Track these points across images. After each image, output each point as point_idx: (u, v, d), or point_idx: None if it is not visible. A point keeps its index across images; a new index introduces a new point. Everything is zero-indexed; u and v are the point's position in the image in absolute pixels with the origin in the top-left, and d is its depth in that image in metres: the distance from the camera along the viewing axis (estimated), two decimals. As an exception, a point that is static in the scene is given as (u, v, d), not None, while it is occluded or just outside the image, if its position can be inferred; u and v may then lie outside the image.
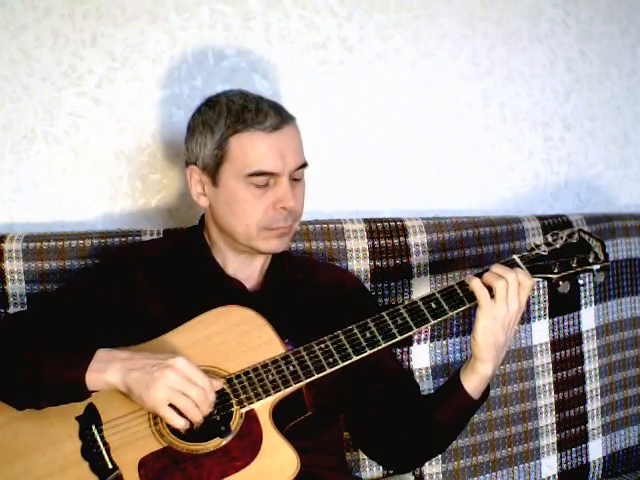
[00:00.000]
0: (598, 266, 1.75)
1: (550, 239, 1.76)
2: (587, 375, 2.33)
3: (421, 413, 1.81)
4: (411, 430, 1.83)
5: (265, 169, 1.72)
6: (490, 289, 1.67)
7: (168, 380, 1.53)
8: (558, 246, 1.75)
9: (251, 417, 1.60)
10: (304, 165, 1.80)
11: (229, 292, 1.80)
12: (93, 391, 1.60)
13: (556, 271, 1.72)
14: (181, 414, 1.55)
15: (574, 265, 1.74)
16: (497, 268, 1.68)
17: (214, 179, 1.77)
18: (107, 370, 1.57)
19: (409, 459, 1.94)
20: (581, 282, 1.76)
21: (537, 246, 1.75)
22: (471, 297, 1.69)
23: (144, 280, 1.79)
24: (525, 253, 1.74)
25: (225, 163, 1.74)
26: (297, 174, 1.78)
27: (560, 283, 1.73)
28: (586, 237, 1.77)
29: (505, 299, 1.65)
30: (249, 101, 1.77)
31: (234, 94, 1.81)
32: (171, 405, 1.54)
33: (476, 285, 1.67)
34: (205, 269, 1.83)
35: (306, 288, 1.90)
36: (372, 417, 1.87)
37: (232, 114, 1.74)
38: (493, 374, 1.74)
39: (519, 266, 1.71)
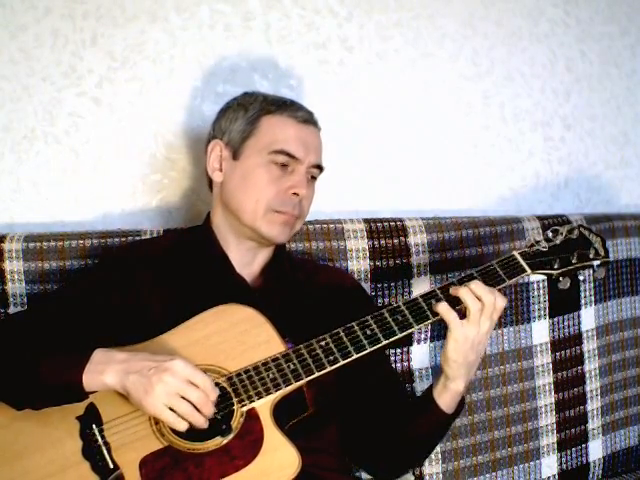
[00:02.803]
0: (598, 262, 1.75)
1: (550, 235, 1.76)
2: (587, 375, 2.33)
3: (397, 425, 1.82)
4: (387, 440, 1.83)
5: (289, 150, 1.79)
6: (458, 301, 1.66)
7: (166, 385, 1.52)
8: (558, 242, 1.75)
9: (252, 416, 1.59)
10: (322, 168, 1.87)
11: (231, 288, 1.80)
12: (91, 392, 1.59)
13: (556, 267, 1.73)
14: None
15: (574, 261, 1.74)
16: (477, 287, 1.65)
17: (236, 153, 1.83)
18: (105, 372, 1.56)
19: (386, 467, 1.93)
20: (581, 278, 1.76)
21: (537, 242, 1.75)
22: None
23: (145, 279, 1.79)
24: (525, 249, 1.74)
25: (251, 138, 1.81)
26: (314, 172, 1.85)
27: (560, 279, 1.74)
28: (586, 233, 1.78)
29: (478, 321, 1.64)
30: (285, 97, 1.91)
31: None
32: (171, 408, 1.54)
33: (442, 308, 1.65)
34: (209, 264, 1.84)
35: (306, 288, 1.90)
36: (357, 421, 1.87)
37: (268, 100, 1.86)
38: (465, 390, 1.73)
39: (520, 263, 1.72)
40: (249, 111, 1.83)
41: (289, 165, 1.80)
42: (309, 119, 1.85)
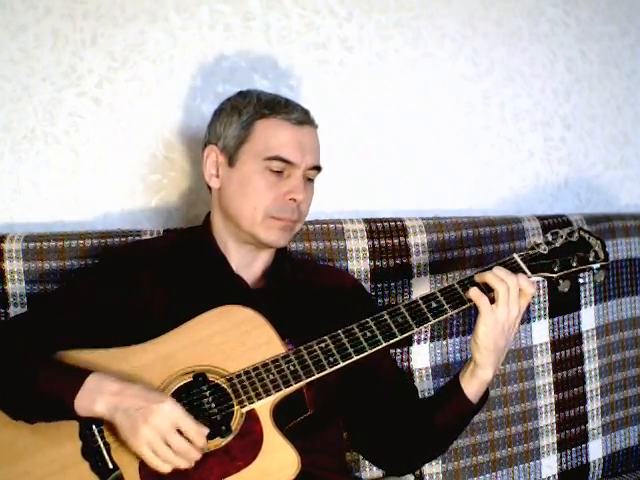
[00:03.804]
0: (598, 265, 1.75)
1: (550, 238, 1.76)
2: (587, 375, 2.34)
3: (420, 416, 1.81)
4: (410, 433, 1.82)
5: (284, 156, 1.76)
6: (490, 290, 1.66)
7: (152, 428, 1.51)
8: (558, 245, 1.74)
9: (252, 417, 1.60)
10: (319, 168, 1.84)
11: (232, 289, 1.81)
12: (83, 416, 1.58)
13: (556, 270, 1.72)
14: None
15: (574, 264, 1.73)
16: (499, 271, 1.67)
17: (231, 159, 1.80)
18: (95, 402, 1.55)
19: (407, 462, 1.93)
20: (581, 281, 1.76)
21: (537, 245, 1.75)
22: None
23: (146, 278, 1.78)
24: (525, 252, 1.74)
25: (246, 143, 1.79)
26: (311, 174, 1.83)
27: (560, 282, 1.73)
28: (586, 236, 1.77)
29: (507, 303, 1.65)
30: (279, 96, 1.87)
31: (265, 91, 1.90)
32: None
33: (474, 293, 1.66)
34: (209, 265, 1.84)
35: (307, 289, 1.90)
36: (370, 419, 1.86)
37: (262, 102, 1.82)
38: (493, 378, 1.73)
39: (520, 266, 1.71)
40: (243, 115, 1.80)
41: (285, 170, 1.78)
42: (304, 120, 1.82)
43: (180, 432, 1.52)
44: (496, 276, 1.66)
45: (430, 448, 1.88)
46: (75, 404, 1.55)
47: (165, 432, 1.51)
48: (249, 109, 1.80)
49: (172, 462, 1.52)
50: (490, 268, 1.70)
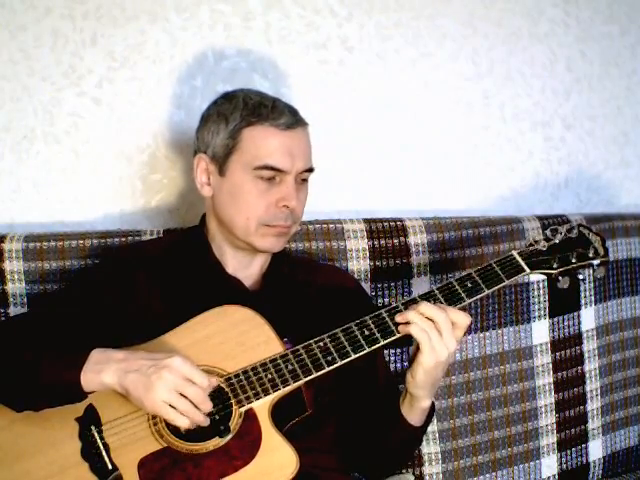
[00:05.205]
0: (598, 261, 1.75)
1: (549, 234, 1.76)
2: (587, 375, 2.33)
3: (377, 432, 1.83)
4: (373, 443, 1.84)
5: (273, 164, 1.74)
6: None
7: (165, 382, 1.52)
8: (557, 241, 1.74)
9: (250, 416, 1.60)
10: (311, 170, 1.81)
11: (229, 291, 1.81)
12: (90, 392, 1.59)
13: (555, 266, 1.72)
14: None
15: (574, 260, 1.73)
16: (426, 309, 1.62)
17: (221, 168, 1.78)
18: (103, 372, 1.56)
19: (373, 469, 1.93)
20: (581, 277, 1.75)
21: (536, 242, 1.75)
22: (471, 293, 1.69)
23: (145, 280, 1.79)
24: (524, 249, 1.74)
25: (235, 153, 1.76)
26: (304, 176, 1.80)
27: (560, 278, 1.73)
28: (585, 232, 1.77)
29: (441, 342, 1.61)
30: (266, 99, 1.81)
31: (252, 91, 1.85)
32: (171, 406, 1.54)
33: (415, 330, 1.61)
34: (205, 268, 1.83)
35: (305, 288, 1.89)
36: (352, 422, 1.87)
37: (248, 107, 1.77)
38: (431, 401, 1.74)
39: (519, 263, 1.71)
40: (230, 123, 1.76)
41: (276, 177, 1.75)
42: (293, 123, 1.77)
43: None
44: (423, 319, 1.61)
45: (388, 461, 1.91)
46: (82, 379, 1.56)
47: (179, 384, 1.53)
48: (235, 116, 1.76)
49: (189, 413, 1.53)
50: (490, 266, 1.70)
